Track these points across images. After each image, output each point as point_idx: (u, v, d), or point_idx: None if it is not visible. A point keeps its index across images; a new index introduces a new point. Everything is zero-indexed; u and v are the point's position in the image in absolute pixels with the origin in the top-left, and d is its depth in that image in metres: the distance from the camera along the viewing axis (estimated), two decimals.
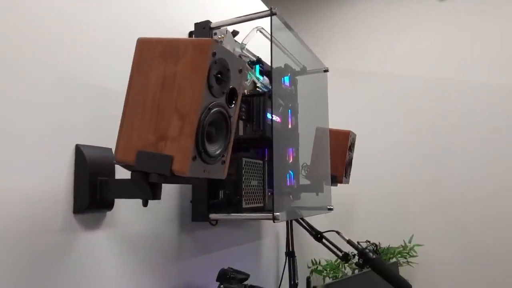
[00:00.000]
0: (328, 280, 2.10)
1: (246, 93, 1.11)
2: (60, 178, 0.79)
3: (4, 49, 0.71)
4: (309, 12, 2.78)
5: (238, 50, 1.18)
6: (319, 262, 2.18)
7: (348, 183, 1.88)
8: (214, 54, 0.69)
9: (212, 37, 1.15)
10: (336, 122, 2.37)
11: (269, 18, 1.04)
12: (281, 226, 1.78)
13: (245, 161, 1.11)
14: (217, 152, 0.75)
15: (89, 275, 0.82)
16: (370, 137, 2.51)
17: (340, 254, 1.52)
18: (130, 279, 0.94)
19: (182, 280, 1.12)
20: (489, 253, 2.12)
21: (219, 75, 0.72)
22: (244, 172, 1.10)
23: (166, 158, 0.68)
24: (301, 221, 1.65)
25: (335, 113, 2.57)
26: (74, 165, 0.81)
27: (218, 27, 1.15)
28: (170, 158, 0.67)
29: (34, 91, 0.75)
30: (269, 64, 1.39)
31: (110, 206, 0.86)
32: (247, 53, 1.21)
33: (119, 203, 0.90)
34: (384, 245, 2.27)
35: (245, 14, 1.13)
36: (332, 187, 2.41)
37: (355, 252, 1.45)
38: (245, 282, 1.05)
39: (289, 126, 1.44)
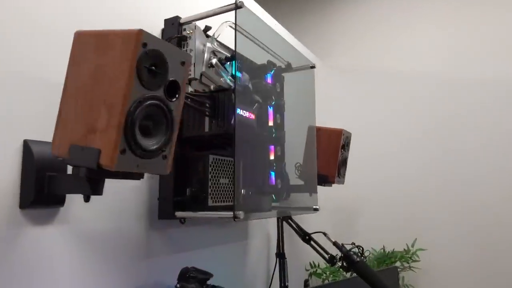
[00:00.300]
0: None
1: (212, 89, 1.08)
2: (6, 172, 0.79)
3: None
4: (307, 10, 2.73)
5: (210, 45, 1.16)
6: (318, 265, 2.13)
7: (342, 183, 1.82)
8: (144, 44, 0.67)
9: (181, 33, 1.13)
10: (336, 122, 2.32)
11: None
12: (273, 227, 1.75)
13: (213, 158, 1.08)
14: (155, 146, 0.72)
15: (35, 272, 0.82)
16: (374, 137, 2.43)
17: (327, 257, 1.47)
18: (87, 278, 0.93)
19: (152, 279, 1.10)
20: (497, 259, 2.00)
21: (152, 67, 0.70)
22: (212, 169, 1.08)
23: (93, 152, 0.66)
24: (290, 222, 1.61)
25: (336, 112, 2.52)
26: (21, 160, 0.81)
27: (188, 23, 1.13)
28: (97, 152, 0.66)
29: None
30: (253, 61, 1.38)
31: (60, 202, 0.85)
32: (219, 49, 1.19)
33: (77, 199, 0.89)
34: (389, 249, 2.19)
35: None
36: (335, 190, 2.36)
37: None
38: (209, 282, 1.02)
39: (270, 124, 1.40)
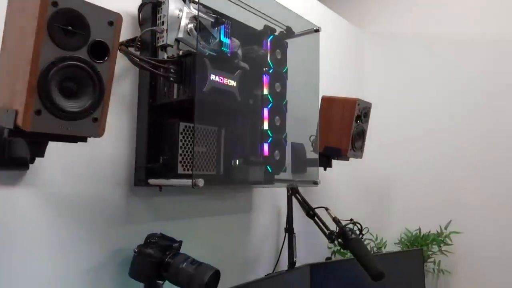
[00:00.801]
0: None
1: (179, 54, 1.05)
2: None
3: None
4: None
5: (188, 10, 1.12)
6: None
7: (359, 157, 1.70)
8: (54, 3, 0.66)
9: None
10: (372, 93, 2.17)
11: None
12: (283, 201, 1.69)
13: (184, 126, 1.06)
14: (78, 108, 0.72)
15: (3, 236, 0.88)
16: (412, 111, 2.23)
17: (327, 232, 1.40)
18: (61, 242, 0.98)
19: (131, 245, 1.12)
20: None
21: (69, 27, 0.69)
22: (183, 137, 1.06)
23: (11, 113, 0.68)
24: (297, 196, 1.55)
25: (372, 82, 2.34)
26: None
27: None
28: (14, 112, 0.67)
29: None
30: (249, 26, 1.32)
31: (23, 165, 0.89)
32: (203, 14, 1.14)
33: (51, 163, 0.94)
34: (425, 231, 2.03)
35: None
36: (368, 169, 2.22)
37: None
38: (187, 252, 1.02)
39: (265, 92, 1.34)
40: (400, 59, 2.32)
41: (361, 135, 1.68)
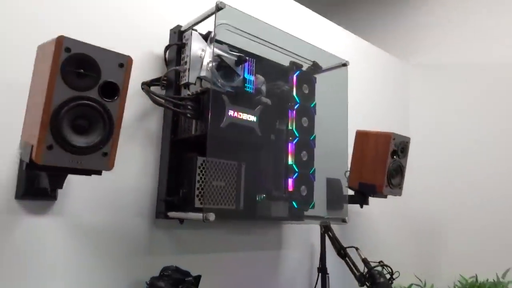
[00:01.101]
0: None
1: (197, 92, 1.09)
2: (4, 167, 0.94)
3: None
4: (386, 6, 2.51)
5: (210, 50, 1.18)
6: None
7: (398, 194, 1.61)
8: (67, 49, 0.74)
9: (181, 41, 1.18)
10: (418, 128, 2.08)
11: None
12: (317, 238, 1.63)
13: (202, 160, 1.09)
14: (88, 144, 0.78)
15: (28, 258, 0.95)
16: (466, 147, 2.08)
17: (357, 274, 1.32)
18: (81, 269, 1.03)
19: (150, 276, 1.14)
20: None
21: (81, 70, 0.76)
22: (200, 171, 1.09)
23: (28, 148, 0.75)
24: (329, 233, 1.50)
25: (418, 116, 2.23)
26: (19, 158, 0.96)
27: (187, 30, 1.18)
28: (30, 147, 0.74)
29: None
30: (274, 62, 1.35)
31: (46, 195, 0.96)
32: (223, 53, 1.19)
33: (74, 195, 1.01)
34: (482, 278, 1.83)
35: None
36: (418, 210, 2.10)
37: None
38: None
39: (290, 127, 1.35)
40: (449, 91, 2.20)
41: (398, 171, 1.60)
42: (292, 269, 1.57)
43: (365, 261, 1.28)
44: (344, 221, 1.37)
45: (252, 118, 1.18)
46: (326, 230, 1.51)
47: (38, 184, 0.94)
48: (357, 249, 1.34)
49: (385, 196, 1.62)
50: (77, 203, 1.04)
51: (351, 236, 1.79)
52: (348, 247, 1.39)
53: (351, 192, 1.69)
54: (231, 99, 1.13)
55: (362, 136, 1.64)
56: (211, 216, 0.96)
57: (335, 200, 1.71)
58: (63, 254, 1.01)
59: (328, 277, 1.56)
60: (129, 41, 1.17)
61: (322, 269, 1.57)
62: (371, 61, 2.09)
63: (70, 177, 0.95)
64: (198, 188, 1.08)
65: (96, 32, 1.10)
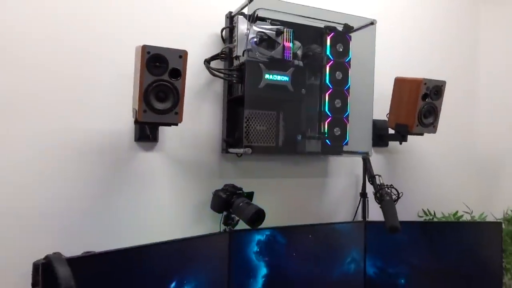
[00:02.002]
0: None
1: (241, 63, 1.52)
2: (127, 123, 1.53)
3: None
4: None
5: (255, 28, 1.57)
6: (434, 214, 2.17)
7: (431, 132, 1.85)
8: (148, 52, 1.24)
9: (232, 24, 1.60)
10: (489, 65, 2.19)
11: None
12: (360, 169, 1.99)
13: (248, 112, 1.54)
14: (167, 107, 1.30)
15: (143, 179, 1.55)
16: None
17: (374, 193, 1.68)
18: (176, 186, 1.62)
19: None
20: None
21: (157, 63, 1.26)
22: (247, 119, 1.54)
23: (134, 111, 1.30)
24: (365, 163, 1.85)
25: (493, 56, 2.28)
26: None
27: (235, 15, 1.58)
28: (135, 111, 1.29)
29: None
30: (308, 25, 1.68)
31: (150, 139, 1.53)
32: (264, 30, 1.57)
33: (168, 138, 1.58)
34: None
35: None
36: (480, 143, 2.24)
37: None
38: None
39: (325, 81, 1.69)
40: None
41: (432, 112, 1.82)
42: (337, 194, 1.98)
43: (379, 185, 1.62)
44: (367, 154, 1.70)
45: (285, 78, 1.57)
46: (364, 161, 1.86)
47: (145, 132, 1.52)
48: (379, 176, 1.68)
49: (422, 134, 1.87)
50: (171, 144, 1.61)
51: (412, 164, 2.11)
52: (376, 175, 1.73)
53: (391, 131, 1.97)
54: (268, 65, 1.53)
55: (399, 82, 1.88)
56: (249, 150, 1.43)
57: (379, 137, 2.02)
58: (164, 175, 1.60)
59: (368, 200, 1.93)
60: (197, 27, 1.63)
61: (363, 194, 1.95)
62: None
63: (165, 129, 1.52)
64: (245, 132, 1.54)
65: (173, 26, 1.59)
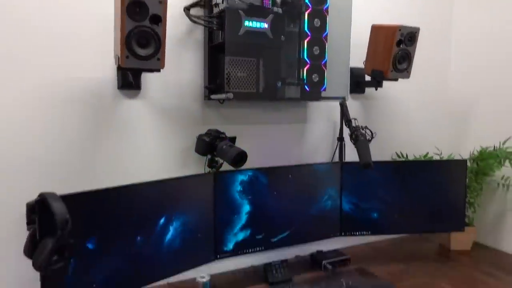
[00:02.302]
0: None
1: (220, 10, 1.54)
2: (110, 72, 1.56)
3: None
4: None
5: None
6: (407, 156, 2.30)
7: (406, 77, 1.93)
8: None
9: None
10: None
11: None
12: (338, 115, 2.08)
13: (229, 59, 1.58)
14: (149, 53, 1.33)
15: (128, 125, 1.61)
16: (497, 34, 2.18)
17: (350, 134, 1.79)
18: (159, 133, 1.68)
19: None
20: None
21: (137, 9, 1.28)
22: (228, 66, 1.59)
23: (116, 58, 1.33)
24: (342, 108, 1.93)
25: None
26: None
27: None
28: (117, 57, 1.33)
29: None
30: None
31: (133, 86, 1.57)
32: None
33: (151, 86, 1.62)
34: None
35: None
36: (450, 89, 2.36)
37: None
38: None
39: (304, 28, 1.73)
40: None
41: (405, 58, 1.89)
42: (316, 139, 2.08)
43: (354, 127, 1.72)
44: (344, 98, 1.79)
45: (264, 25, 1.60)
46: (341, 107, 1.95)
47: (128, 79, 1.56)
48: (355, 119, 1.78)
49: (396, 79, 1.96)
50: (154, 92, 1.65)
51: (386, 110, 2.21)
52: (352, 118, 1.83)
53: (368, 78, 2.05)
54: (247, 12, 1.56)
55: (375, 30, 1.94)
56: (230, 95, 1.49)
57: (356, 84, 2.11)
58: (149, 122, 1.66)
59: (344, 144, 2.04)
60: None
61: (340, 138, 2.05)
62: None
63: (148, 75, 1.56)
64: (226, 78, 1.59)
65: None
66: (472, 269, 1.90)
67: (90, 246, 1.23)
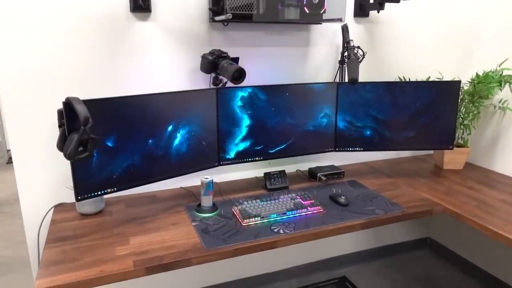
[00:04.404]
0: None
1: None
2: None
3: None
4: None
5: None
6: (409, 80, 2.39)
7: None
8: None
9: None
10: None
11: None
12: (340, 39, 2.17)
13: None
14: None
15: (141, 45, 1.79)
16: None
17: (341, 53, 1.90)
18: (170, 51, 1.86)
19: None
20: None
21: None
22: None
23: None
24: (343, 32, 2.03)
25: None
26: None
27: None
28: None
29: None
30: None
31: (148, 9, 1.73)
32: None
33: (162, 8, 1.77)
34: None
35: None
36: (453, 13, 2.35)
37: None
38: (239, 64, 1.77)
39: None
40: None
41: None
42: (318, 62, 2.20)
43: (348, 46, 1.82)
44: (340, 19, 1.87)
45: None
46: (342, 30, 2.04)
47: (138, 2, 1.71)
48: (352, 40, 1.88)
49: (396, 1, 2.00)
50: (163, 15, 1.80)
51: (386, 38, 2.27)
52: (350, 40, 1.93)
53: (372, 0, 2.10)
54: None
55: None
56: (229, 16, 1.62)
57: (360, 7, 2.16)
58: (158, 42, 1.83)
59: (345, 66, 2.15)
60: None
61: (341, 61, 2.16)
62: None
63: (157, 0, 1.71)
64: (227, 1, 1.71)
65: None
66: (457, 184, 2.07)
67: (109, 144, 1.48)
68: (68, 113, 1.35)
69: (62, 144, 1.39)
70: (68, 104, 1.35)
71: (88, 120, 1.31)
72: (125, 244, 1.44)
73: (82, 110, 1.32)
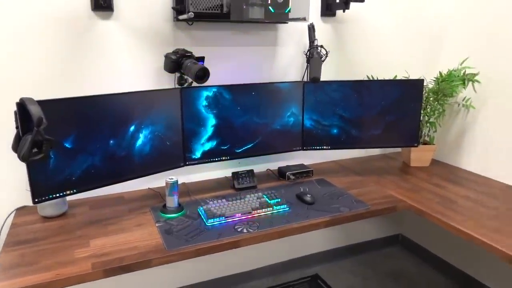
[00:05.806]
0: None
1: None
2: None
3: None
4: None
5: None
6: (377, 79, 2.42)
7: None
8: None
9: None
10: None
11: None
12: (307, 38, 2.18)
13: None
14: None
15: (104, 45, 1.77)
16: None
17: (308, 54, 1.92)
18: (132, 51, 1.84)
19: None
20: None
21: None
22: None
23: None
24: (309, 31, 2.04)
25: None
26: None
27: None
28: None
29: None
30: None
31: (105, 8, 1.70)
32: None
33: (124, 7, 1.75)
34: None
35: None
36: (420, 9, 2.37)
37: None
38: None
39: None
40: None
41: None
42: (286, 61, 2.20)
43: (312, 46, 1.84)
44: (304, 19, 1.88)
45: None
46: (309, 28, 2.05)
47: (99, 1, 1.68)
48: (316, 40, 1.89)
49: (362, 0, 2.02)
50: (127, 13, 1.78)
51: (358, 31, 2.29)
52: (315, 39, 1.94)
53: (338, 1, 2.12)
54: None
55: None
56: (191, 14, 1.61)
57: (327, 7, 2.17)
58: (122, 41, 1.81)
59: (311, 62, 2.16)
60: None
61: (308, 60, 2.17)
62: None
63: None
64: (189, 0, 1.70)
65: None
66: (423, 181, 2.10)
67: (67, 145, 1.45)
68: (22, 114, 1.32)
69: (17, 146, 1.35)
70: (22, 105, 1.32)
71: (42, 120, 1.28)
72: (86, 246, 1.42)
73: (35, 111, 1.29)
